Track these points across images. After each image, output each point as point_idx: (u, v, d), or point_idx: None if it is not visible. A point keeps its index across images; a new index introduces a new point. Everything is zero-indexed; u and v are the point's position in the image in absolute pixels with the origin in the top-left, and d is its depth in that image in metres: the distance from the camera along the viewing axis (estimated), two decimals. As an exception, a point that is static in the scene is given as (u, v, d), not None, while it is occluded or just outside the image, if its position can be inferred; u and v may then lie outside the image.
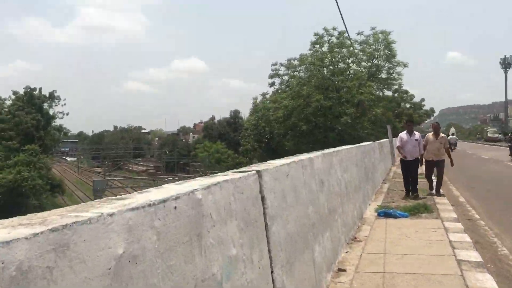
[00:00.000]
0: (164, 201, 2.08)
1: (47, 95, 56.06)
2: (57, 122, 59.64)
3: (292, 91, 33.69)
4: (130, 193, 2.79)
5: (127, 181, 63.61)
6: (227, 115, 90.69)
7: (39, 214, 1.67)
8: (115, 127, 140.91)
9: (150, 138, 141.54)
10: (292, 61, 36.10)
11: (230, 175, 3.05)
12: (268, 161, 4.10)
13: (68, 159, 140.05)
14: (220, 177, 2.91)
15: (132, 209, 1.86)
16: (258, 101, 40.35)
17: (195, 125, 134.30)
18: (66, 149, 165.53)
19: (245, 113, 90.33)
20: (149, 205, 1.96)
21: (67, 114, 56.98)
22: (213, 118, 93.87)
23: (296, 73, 35.85)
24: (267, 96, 40.21)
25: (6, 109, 52.06)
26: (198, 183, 2.62)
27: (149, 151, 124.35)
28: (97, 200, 2.02)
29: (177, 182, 2.68)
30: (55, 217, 1.61)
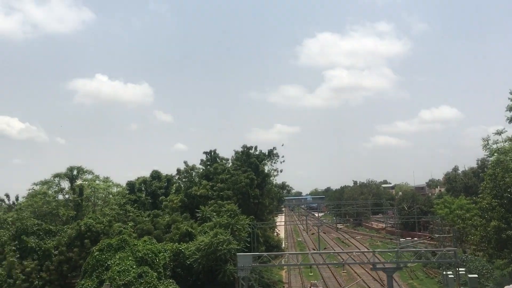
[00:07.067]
0: None
1: (266, 153, 56.20)
2: (280, 179, 59.44)
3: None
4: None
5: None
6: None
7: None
8: (355, 182, 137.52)
9: (393, 193, 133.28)
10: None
11: None
12: None
13: (316, 214, 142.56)
14: None
15: None
16: (490, 142, 29.87)
17: (444, 177, 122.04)
18: (314, 205, 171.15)
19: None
20: None
21: (281, 171, 57.13)
22: (456, 168, 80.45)
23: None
24: (504, 135, 29.50)
25: (227, 169, 53.81)
26: None
27: (392, 207, 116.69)
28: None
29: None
30: None
